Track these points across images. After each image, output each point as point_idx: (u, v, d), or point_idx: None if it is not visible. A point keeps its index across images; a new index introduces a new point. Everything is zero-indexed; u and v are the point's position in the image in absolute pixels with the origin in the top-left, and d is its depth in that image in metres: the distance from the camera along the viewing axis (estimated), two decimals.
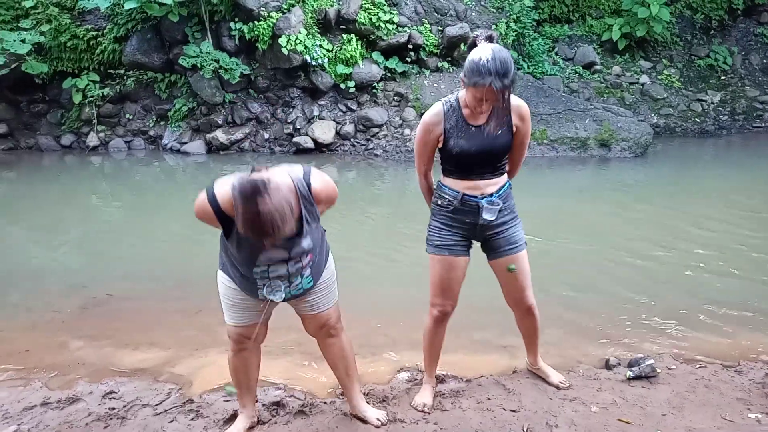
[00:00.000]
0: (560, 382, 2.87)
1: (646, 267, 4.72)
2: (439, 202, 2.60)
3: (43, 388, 2.98)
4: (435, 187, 2.66)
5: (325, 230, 2.40)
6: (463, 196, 2.52)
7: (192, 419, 2.65)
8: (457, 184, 2.53)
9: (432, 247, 2.61)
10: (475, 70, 2.22)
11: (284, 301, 2.28)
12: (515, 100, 2.46)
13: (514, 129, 2.50)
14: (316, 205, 2.14)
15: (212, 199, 2.01)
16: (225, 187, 1.99)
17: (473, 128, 2.45)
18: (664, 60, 12.67)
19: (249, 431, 2.52)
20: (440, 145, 2.51)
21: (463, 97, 2.44)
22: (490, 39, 2.31)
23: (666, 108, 11.84)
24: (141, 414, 2.70)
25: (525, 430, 2.52)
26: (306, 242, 2.14)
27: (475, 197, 2.51)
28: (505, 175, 2.60)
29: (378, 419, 2.57)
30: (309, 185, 2.10)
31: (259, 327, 2.36)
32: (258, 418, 2.60)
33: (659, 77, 12.28)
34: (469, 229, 2.58)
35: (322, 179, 2.16)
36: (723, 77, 12.69)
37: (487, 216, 2.52)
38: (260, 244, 2.02)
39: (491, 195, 2.52)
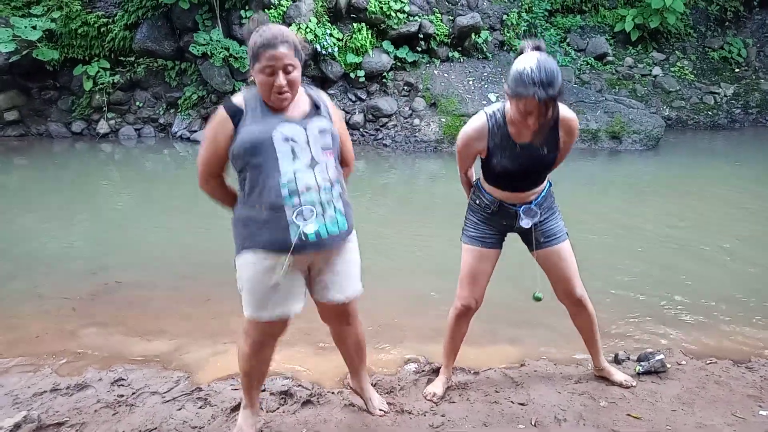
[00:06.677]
0: (624, 381, 2.79)
1: (655, 260, 4.69)
2: (477, 202, 2.57)
3: (52, 375, 3.00)
4: (474, 184, 2.63)
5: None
6: (501, 203, 2.50)
7: (200, 407, 2.65)
8: (496, 192, 2.51)
9: (466, 237, 2.61)
10: (518, 79, 2.11)
11: (320, 244, 2.07)
12: (565, 112, 2.34)
13: (561, 144, 2.41)
14: (329, 112, 2.18)
15: (226, 100, 2.13)
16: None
17: (518, 147, 2.36)
18: (677, 52, 12.52)
19: None
20: (483, 157, 2.47)
21: (509, 112, 2.31)
22: (537, 48, 2.20)
23: (678, 100, 11.71)
24: (149, 401, 2.71)
25: (533, 423, 2.51)
26: (322, 119, 2.13)
27: (514, 205, 2.50)
28: (545, 180, 2.56)
29: (380, 410, 2.58)
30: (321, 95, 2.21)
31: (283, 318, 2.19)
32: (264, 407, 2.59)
33: (672, 69, 12.14)
34: (506, 227, 2.59)
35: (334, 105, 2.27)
36: (737, 70, 12.52)
37: (525, 224, 2.51)
38: (271, 122, 2.03)
39: (530, 203, 2.50)
